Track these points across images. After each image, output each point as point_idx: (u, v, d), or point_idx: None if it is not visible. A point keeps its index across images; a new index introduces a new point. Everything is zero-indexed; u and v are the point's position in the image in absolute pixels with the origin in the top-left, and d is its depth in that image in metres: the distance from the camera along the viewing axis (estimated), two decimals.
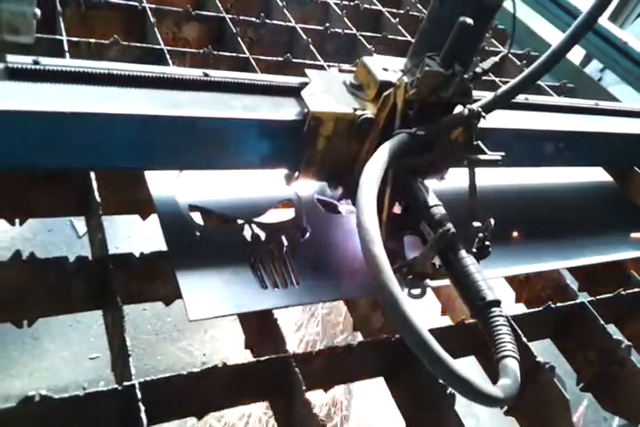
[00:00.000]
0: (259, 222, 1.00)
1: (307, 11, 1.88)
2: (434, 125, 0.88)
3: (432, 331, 1.02)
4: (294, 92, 0.97)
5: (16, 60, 0.80)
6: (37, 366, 2.10)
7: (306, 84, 0.97)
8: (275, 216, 1.03)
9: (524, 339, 1.07)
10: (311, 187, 1.09)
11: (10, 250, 0.90)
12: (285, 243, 0.97)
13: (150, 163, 0.93)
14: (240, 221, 0.99)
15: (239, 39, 1.53)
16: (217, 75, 0.94)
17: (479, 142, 0.91)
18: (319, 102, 0.92)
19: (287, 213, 1.05)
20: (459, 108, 0.90)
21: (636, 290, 1.27)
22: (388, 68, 0.93)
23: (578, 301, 1.20)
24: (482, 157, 0.91)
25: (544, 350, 1.20)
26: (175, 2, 1.65)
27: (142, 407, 0.78)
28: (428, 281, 0.98)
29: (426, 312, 1.40)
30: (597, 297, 1.21)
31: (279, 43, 1.69)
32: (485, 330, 0.79)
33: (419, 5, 2.15)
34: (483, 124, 0.91)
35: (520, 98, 1.24)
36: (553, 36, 2.29)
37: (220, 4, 1.68)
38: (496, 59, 0.91)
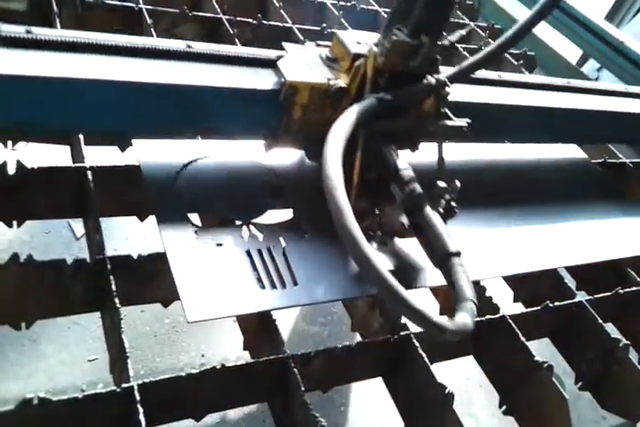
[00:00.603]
0: (257, 223, 1.00)
1: (303, 11, 1.88)
2: (401, 92, 0.94)
3: None
4: (272, 64, 1.02)
5: (10, 29, 0.86)
6: (35, 368, 2.10)
7: (283, 56, 1.03)
8: (274, 217, 1.03)
9: (522, 338, 1.07)
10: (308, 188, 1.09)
11: (7, 252, 0.90)
12: (284, 243, 0.97)
13: (134, 127, 0.98)
14: (238, 222, 0.99)
15: (236, 40, 1.54)
16: (200, 46, 1.00)
17: (446, 110, 0.99)
18: (295, 72, 0.98)
19: (286, 214, 1.05)
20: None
21: (634, 289, 1.27)
22: (361, 41, 0.99)
23: (576, 300, 1.20)
24: (449, 122, 0.98)
25: (542, 349, 1.20)
26: (171, 3, 1.64)
27: (141, 409, 0.78)
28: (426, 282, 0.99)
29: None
30: (595, 296, 1.22)
31: (276, 43, 1.69)
32: (447, 278, 0.86)
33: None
34: (456, 97, 1.00)
35: (493, 75, 1.34)
36: (550, 35, 2.30)
37: (216, 5, 1.68)
38: (463, 32, 0.98)
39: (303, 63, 1.01)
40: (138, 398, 0.79)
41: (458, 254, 0.87)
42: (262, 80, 0.99)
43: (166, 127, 1.00)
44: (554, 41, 2.31)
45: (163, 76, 0.92)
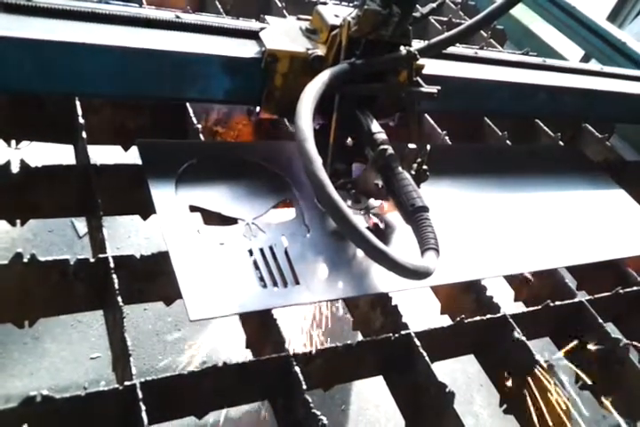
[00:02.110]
0: (259, 222, 1.00)
1: (306, 11, 1.88)
2: (373, 59, 1.00)
3: (433, 330, 1.04)
4: (256, 36, 1.08)
5: None
6: (38, 366, 2.10)
7: (266, 28, 1.09)
8: (275, 216, 1.03)
9: (524, 337, 1.07)
10: (310, 187, 1.10)
11: (10, 251, 0.90)
12: (286, 242, 0.98)
13: (125, 91, 1.03)
14: (240, 221, 0.99)
15: None
16: (188, 17, 1.06)
17: (418, 79, 1.05)
18: (275, 42, 1.04)
19: (287, 213, 1.05)
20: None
21: (635, 289, 1.27)
22: (339, 14, 1.05)
23: (576, 300, 1.20)
24: (421, 89, 1.05)
25: (542, 348, 1.20)
26: (175, 3, 1.65)
27: (143, 407, 0.78)
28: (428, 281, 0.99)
29: (426, 311, 1.41)
30: (595, 296, 1.22)
31: None
32: (414, 230, 0.92)
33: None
34: (432, 71, 1.11)
35: (470, 52, 1.41)
36: (551, 36, 2.30)
37: (219, 5, 1.68)
38: (434, 5, 1.03)
39: (284, 34, 1.08)
40: (140, 395, 0.80)
41: (425, 209, 0.93)
42: (245, 49, 1.05)
43: (155, 92, 1.05)
44: (556, 41, 2.31)
45: (152, 42, 0.98)
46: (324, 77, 0.93)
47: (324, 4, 1.88)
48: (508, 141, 1.52)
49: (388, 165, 0.96)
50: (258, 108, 1.12)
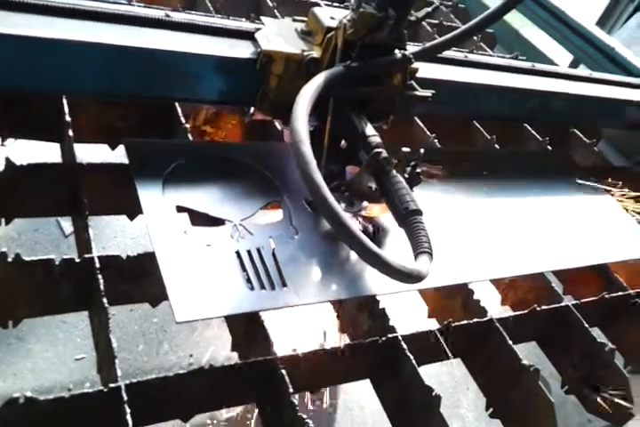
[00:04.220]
0: (247, 223, 0.99)
1: (297, 11, 1.88)
2: (368, 62, 1.00)
3: (420, 334, 1.04)
4: (251, 37, 1.08)
5: None
6: (22, 366, 2.08)
7: (261, 29, 1.09)
8: (263, 217, 1.03)
9: (510, 342, 1.07)
10: (299, 189, 1.09)
11: None
12: (273, 244, 0.97)
13: (115, 90, 1.03)
14: (228, 222, 0.99)
15: None
16: (179, 16, 1.07)
17: (413, 82, 1.07)
18: (271, 43, 1.05)
19: (275, 215, 1.05)
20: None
21: (620, 294, 1.28)
22: (335, 17, 1.05)
23: (562, 304, 1.21)
24: (415, 92, 1.06)
25: (529, 352, 1.20)
26: (165, 1, 1.64)
27: (128, 409, 0.78)
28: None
29: (413, 315, 1.41)
30: (582, 300, 1.23)
31: None
32: (407, 233, 0.92)
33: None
34: (422, 74, 1.12)
35: (460, 55, 1.43)
36: (541, 40, 2.32)
37: (209, 4, 1.67)
38: (429, 9, 1.03)
39: (279, 35, 1.08)
40: (125, 398, 0.79)
41: (419, 212, 0.93)
42: (240, 50, 1.06)
43: (146, 91, 1.06)
44: (545, 46, 2.32)
45: (144, 41, 0.98)
46: (319, 80, 0.93)
47: (316, 4, 1.89)
48: (496, 145, 1.52)
49: (382, 169, 0.96)
50: (252, 109, 1.12)
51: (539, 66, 1.54)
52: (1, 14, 0.90)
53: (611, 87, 1.64)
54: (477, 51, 2.03)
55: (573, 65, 2.60)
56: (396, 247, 1.03)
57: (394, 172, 0.97)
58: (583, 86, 1.56)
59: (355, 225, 0.82)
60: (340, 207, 0.81)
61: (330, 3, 1.93)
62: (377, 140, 0.99)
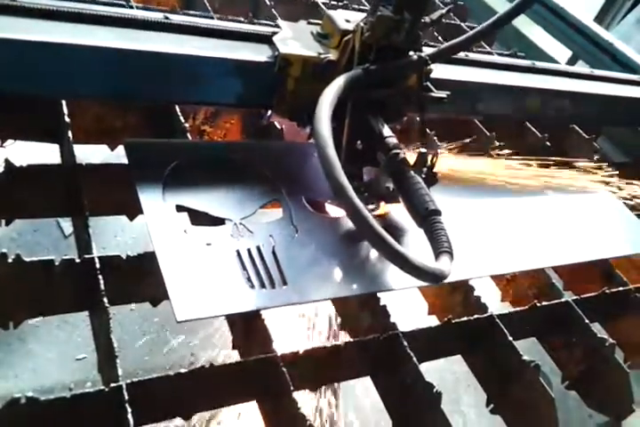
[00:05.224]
0: (247, 222, 1.00)
1: (295, 10, 1.88)
2: (386, 65, 1.01)
3: (421, 331, 1.04)
4: (268, 40, 1.10)
5: None
6: (23, 367, 2.08)
7: (278, 32, 1.11)
8: (263, 216, 1.03)
9: (510, 338, 1.08)
10: (299, 188, 1.09)
11: None
12: (273, 243, 0.97)
13: (129, 93, 1.04)
14: (228, 221, 0.99)
15: None
16: (177, 18, 1.07)
17: (428, 84, 1.07)
18: (288, 46, 1.07)
19: (275, 213, 1.05)
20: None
21: (620, 289, 1.28)
22: (350, 19, 1.07)
23: (563, 300, 1.21)
24: (430, 94, 1.07)
25: (529, 348, 1.20)
26: (163, 1, 1.64)
27: (129, 409, 0.78)
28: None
29: (413, 312, 1.41)
30: (582, 296, 1.23)
31: None
32: (428, 234, 0.93)
33: None
34: (438, 75, 1.13)
35: (460, 54, 1.39)
36: (539, 37, 2.31)
37: (207, 4, 1.67)
38: (443, 11, 1.03)
39: (296, 39, 1.10)
40: (126, 397, 0.79)
41: (437, 213, 0.93)
42: (258, 53, 1.07)
43: (160, 96, 1.07)
44: (544, 42, 2.32)
45: (157, 45, 0.98)
46: (340, 83, 0.94)
47: (315, 4, 1.89)
48: (496, 142, 1.52)
49: (400, 170, 0.97)
50: (269, 112, 1.15)
51: (539, 64, 1.53)
52: (1, 19, 0.90)
53: (612, 84, 1.63)
54: (476, 47, 2.03)
55: (572, 61, 2.60)
56: (406, 245, 1.04)
57: (412, 172, 0.97)
58: (585, 84, 1.56)
59: (380, 226, 0.83)
60: (366, 210, 0.83)
61: (327, 1, 1.93)
62: (394, 141, 0.99)
